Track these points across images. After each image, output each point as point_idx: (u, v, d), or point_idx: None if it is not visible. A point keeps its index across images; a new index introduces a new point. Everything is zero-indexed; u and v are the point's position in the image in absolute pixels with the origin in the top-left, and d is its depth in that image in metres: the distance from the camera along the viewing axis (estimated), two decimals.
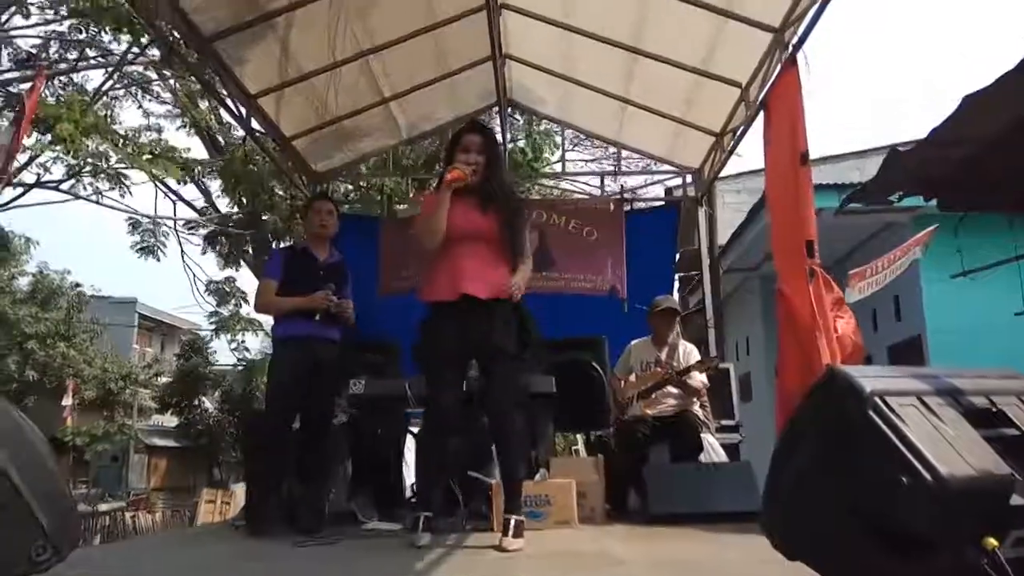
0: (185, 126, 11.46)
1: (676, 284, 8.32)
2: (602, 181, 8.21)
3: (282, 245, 9.27)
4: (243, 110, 5.48)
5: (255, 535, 3.54)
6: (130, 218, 10.79)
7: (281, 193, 9.80)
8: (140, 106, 11.67)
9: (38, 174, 9.38)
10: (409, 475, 4.59)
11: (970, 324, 7.21)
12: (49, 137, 7.55)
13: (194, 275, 11.54)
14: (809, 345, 3.46)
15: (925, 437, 1.64)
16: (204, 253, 11.74)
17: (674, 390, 4.52)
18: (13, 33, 10.09)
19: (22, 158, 8.51)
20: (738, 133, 5.71)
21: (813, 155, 4.00)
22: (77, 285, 21.24)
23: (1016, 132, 3.89)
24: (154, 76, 11.13)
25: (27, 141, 6.97)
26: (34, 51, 10.02)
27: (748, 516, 3.46)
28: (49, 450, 2.08)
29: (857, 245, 8.73)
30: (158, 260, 11.08)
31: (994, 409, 1.83)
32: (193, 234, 11.58)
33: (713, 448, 4.58)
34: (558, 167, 10.97)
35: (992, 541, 1.58)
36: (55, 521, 2.13)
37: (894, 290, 8.51)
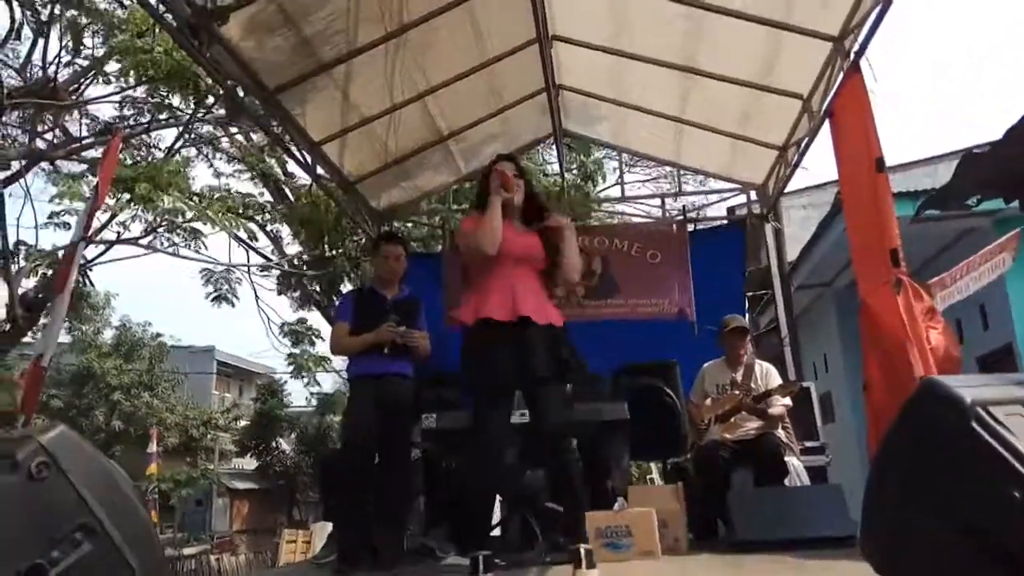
0: (253, 178, 11.92)
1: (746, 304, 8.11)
2: (663, 202, 8.12)
3: (351, 288, 9.49)
4: (308, 157, 5.65)
5: (341, 573, 3.54)
6: (204, 270, 11.20)
7: (348, 234, 10.03)
8: (210, 164, 12.21)
9: (118, 232, 9.86)
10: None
11: None
12: (128, 196, 7.94)
13: (268, 318, 11.87)
14: (900, 359, 3.30)
15: None
16: (280, 295, 12.07)
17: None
18: (91, 102, 10.72)
19: (103, 217, 8.97)
20: (803, 145, 5.58)
21: None
22: (158, 336, 22.15)
23: None
24: (221, 134, 11.64)
25: (108, 201, 7.33)
26: (111, 121, 10.62)
27: (840, 541, 3.32)
28: (139, 496, 2.14)
29: (936, 254, 8.37)
30: (232, 306, 11.44)
31: None
32: (265, 277, 11.93)
33: (798, 472, 4.40)
34: (615, 191, 10.93)
35: None
36: (145, 566, 2.18)
37: (978, 299, 8.11)
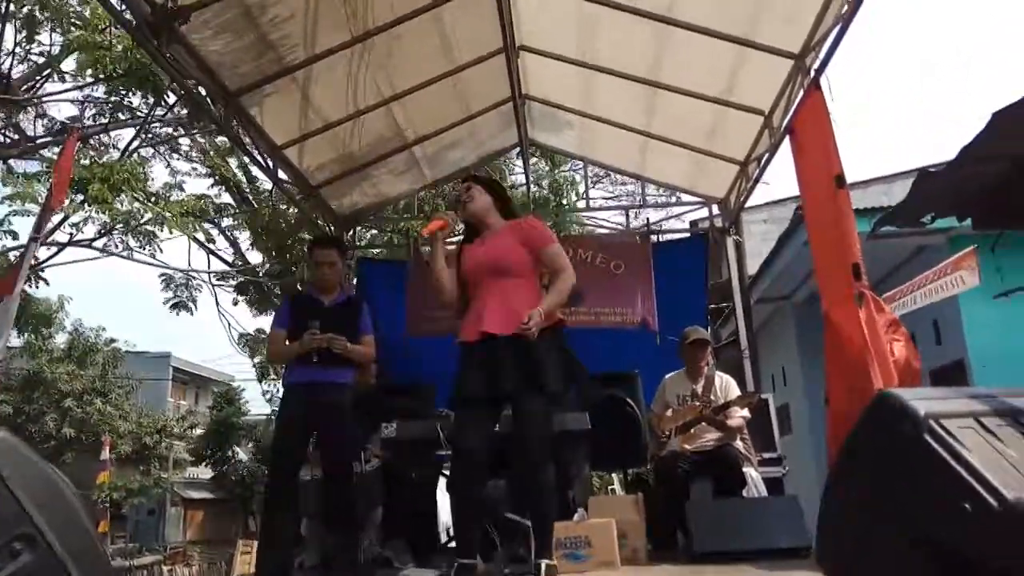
0: (215, 184, 11.73)
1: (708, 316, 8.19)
2: (627, 215, 8.19)
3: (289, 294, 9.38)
4: (270, 162, 5.57)
5: None
6: (163, 274, 10.99)
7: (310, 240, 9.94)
8: (168, 165, 11.99)
9: (71, 233, 9.61)
10: (443, 519, 4.51)
11: (1015, 346, 6.98)
12: (81, 197, 7.75)
13: (229, 324, 11.69)
14: (861, 372, 3.35)
15: (987, 460, 1.55)
16: (236, 304, 11.90)
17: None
18: (46, 99, 10.46)
19: (55, 218, 8.74)
20: (763, 161, 5.67)
21: None
22: (112, 341, 21.60)
23: None
24: (181, 135, 11.44)
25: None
26: (68, 121, 10.37)
27: (796, 552, 3.35)
28: (84, 505, 2.06)
29: (892, 270, 8.56)
30: (191, 314, 11.22)
31: None
32: (223, 285, 11.74)
33: (756, 483, 4.44)
34: (581, 204, 10.97)
35: None
36: None
37: (932, 314, 8.30)
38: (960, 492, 1.52)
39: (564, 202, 10.99)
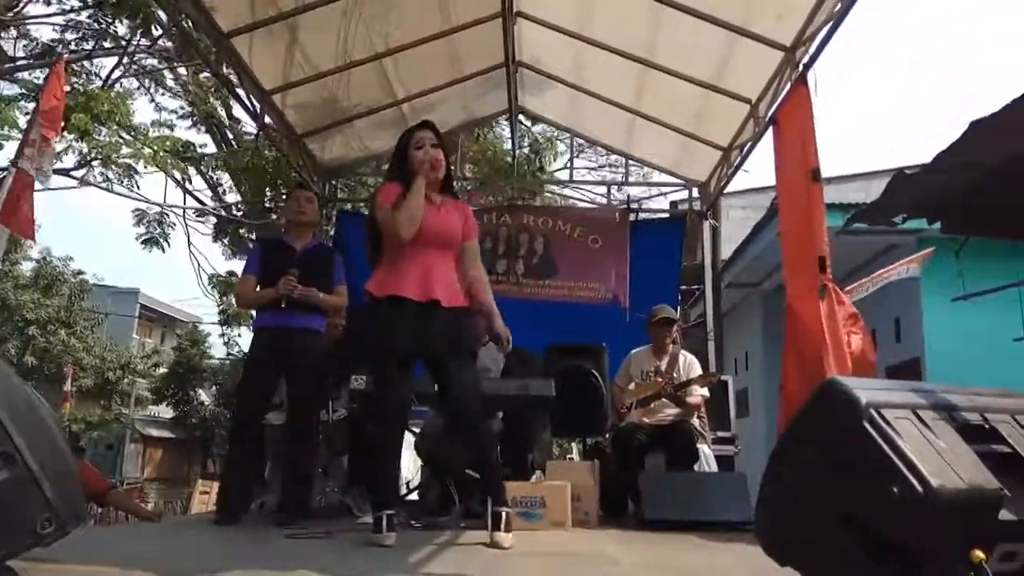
0: (195, 124, 11.53)
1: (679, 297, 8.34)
2: (608, 191, 8.24)
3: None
4: (257, 105, 5.54)
5: (222, 523, 3.50)
6: (136, 209, 10.82)
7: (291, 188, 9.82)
8: (152, 99, 11.74)
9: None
10: (405, 473, 4.63)
11: (969, 348, 7.23)
12: (62, 126, 7.61)
13: (199, 265, 11.57)
14: (816, 360, 3.49)
15: (918, 449, 1.67)
16: (215, 241, 11.74)
17: None
18: (29, 23, 10.18)
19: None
20: (745, 149, 5.76)
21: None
22: (80, 273, 21.32)
23: (1019, 162, 3.93)
24: (167, 72, 11.21)
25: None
26: (52, 44, 10.09)
27: (739, 526, 3.51)
28: (60, 428, 2.12)
29: (861, 265, 8.76)
30: (163, 251, 11.08)
31: (987, 426, 1.86)
32: (201, 222, 11.58)
33: (708, 459, 4.61)
34: (564, 174, 10.99)
35: (980, 555, 1.61)
36: (61, 497, 2.17)
37: (895, 312, 8.54)
38: (891, 477, 1.64)
39: (543, 163, 10.94)
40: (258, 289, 3.87)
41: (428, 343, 2.99)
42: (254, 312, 4.19)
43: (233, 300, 12.22)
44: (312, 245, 4.02)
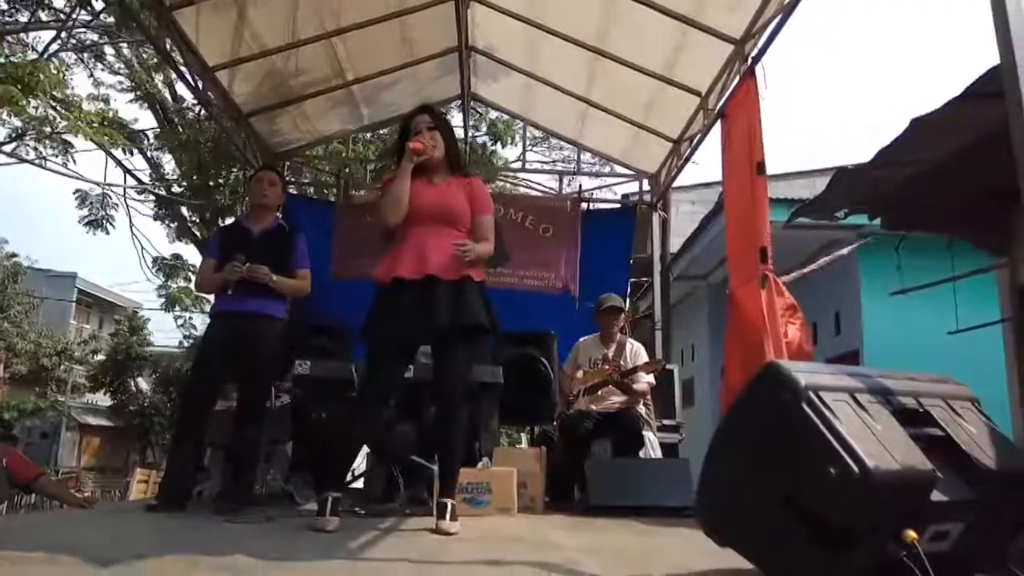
0: (137, 99, 11.15)
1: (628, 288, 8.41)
2: (560, 180, 8.25)
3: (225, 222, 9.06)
4: (199, 82, 5.37)
5: (161, 509, 3.39)
6: (78, 190, 10.42)
7: (232, 166, 9.53)
8: (91, 75, 11.31)
9: None
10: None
11: (905, 341, 7.45)
12: None
13: (142, 247, 11.22)
14: (756, 348, 3.55)
15: (855, 431, 1.70)
16: (156, 220, 11.38)
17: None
18: None
19: None
20: (695, 141, 5.82)
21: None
22: (13, 256, 20.49)
23: (958, 159, 4.05)
24: (106, 43, 10.81)
25: None
26: None
27: (683, 511, 3.56)
28: None
29: (805, 259, 8.96)
30: (107, 233, 10.69)
31: (921, 410, 1.91)
32: (140, 201, 11.22)
33: (653, 445, 4.65)
34: (517, 165, 10.94)
35: (912, 534, 1.65)
36: None
37: (835, 305, 8.77)
38: (828, 458, 1.67)
39: (500, 149, 10.86)
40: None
41: (428, 321, 2.88)
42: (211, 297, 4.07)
43: (174, 285, 11.92)
44: (271, 227, 3.89)
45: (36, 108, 7.60)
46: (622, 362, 4.63)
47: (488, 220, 3.12)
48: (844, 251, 6.86)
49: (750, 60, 4.39)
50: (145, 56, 10.56)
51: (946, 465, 1.80)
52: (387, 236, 3.08)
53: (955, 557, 1.80)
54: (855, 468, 1.63)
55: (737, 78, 4.63)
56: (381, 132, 9.27)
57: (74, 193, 10.43)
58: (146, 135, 11.11)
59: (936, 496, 1.73)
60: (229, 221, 9.34)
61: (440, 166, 3.10)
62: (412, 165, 2.98)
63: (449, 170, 3.14)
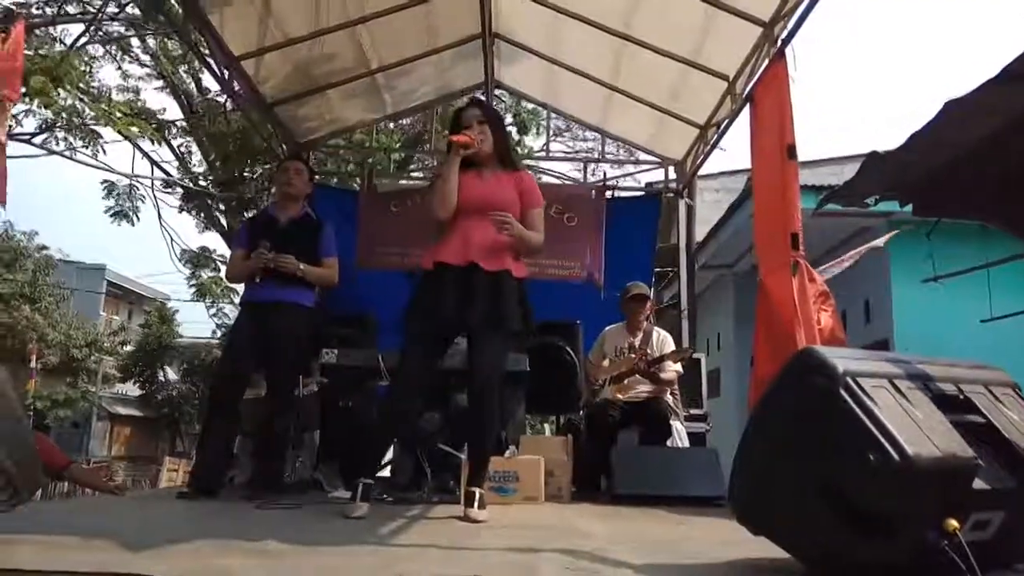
0: (164, 87, 11.25)
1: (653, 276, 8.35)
2: (585, 168, 8.21)
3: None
4: (225, 72, 5.39)
5: (192, 496, 3.43)
6: (105, 181, 10.54)
7: (260, 158, 9.59)
8: (119, 67, 11.43)
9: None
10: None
11: (937, 330, 7.32)
12: (23, 89, 7.37)
13: (171, 238, 11.33)
14: (787, 337, 3.49)
15: (895, 418, 1.67)
16: (181, 212, 11.49)
17: None
18: None
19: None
20: (722, 127, 5.73)
21: None
22: (44, 248, 20.84)
23: (992, 143, 3.95)
24: (133, 35, 10.90)
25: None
26: (11, 7, 9.75)
27: (711, 501, 3.53)
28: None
29: (835, 246, 8.83)
30: (132, 225, 10.81)
31: (962, 396, 1.87)
32: (169, 193, 11.32)
33: (680, 435, 4.62)
34: (541, 155, 10.92)
35: (953, 523, 1.61)
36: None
37: (865, 293, 8.64)
38: (867, 444, 1.63)
39: (528, 138, 10.84)
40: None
41: (467, 309, 2.89)
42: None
43: (204, 276, 12.05)
44: (299, 215, 3.92)
45: (65, 99, 7.69)
46: (649, 350, 4.60)
47: (538, 213, 3.13)
48: (879, 242, 6.72)
49: (779, 43, 4.31)
50: (171, 47, 10.64)
51: (987, 452, 1.76)
52: (438, 228, 3.09)
53: (997, 546, 1.75)
54: (895, 455, 1.59)
55: (766, 61, 4.54)
56: (403, 121, 9.27)
57: (101, 183, 10.56)
58: (174, 124, 11.19)
59: (978, 484, 1.69)
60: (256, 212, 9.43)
61: (489, 160, 3.10)
62: (459, 159, 2.99)
63: (499, 164, 3.14)
